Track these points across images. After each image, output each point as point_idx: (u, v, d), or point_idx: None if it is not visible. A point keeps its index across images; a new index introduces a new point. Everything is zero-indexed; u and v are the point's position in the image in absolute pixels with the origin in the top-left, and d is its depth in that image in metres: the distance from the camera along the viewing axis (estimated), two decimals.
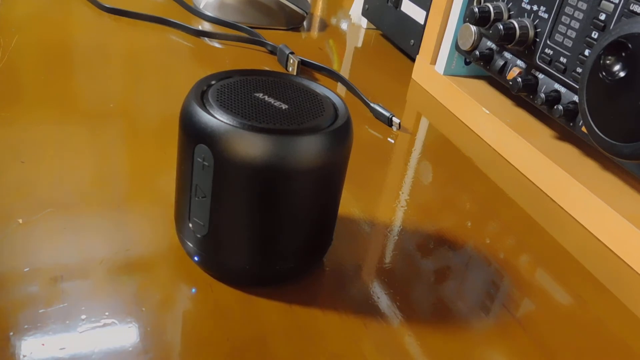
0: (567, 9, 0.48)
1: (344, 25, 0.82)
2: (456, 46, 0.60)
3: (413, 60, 0.71)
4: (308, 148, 0.31)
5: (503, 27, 0.51)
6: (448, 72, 0.63)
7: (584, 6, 0.46)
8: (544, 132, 0.54)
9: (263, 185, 0.31)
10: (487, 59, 0.56)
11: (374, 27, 0.81)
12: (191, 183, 0.32)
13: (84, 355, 0.29)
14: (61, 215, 0.38)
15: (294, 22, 0.77)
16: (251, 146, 0.30)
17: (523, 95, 0.52)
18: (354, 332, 0.33)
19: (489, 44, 0.56)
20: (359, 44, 0.77)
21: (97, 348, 0.29)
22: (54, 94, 0.51)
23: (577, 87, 0.47)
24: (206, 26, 0.73)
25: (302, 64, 0.64)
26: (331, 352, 0.31)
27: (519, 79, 0.51)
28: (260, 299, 0.34)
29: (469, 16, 0.55)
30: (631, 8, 0.42)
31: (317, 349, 0.31)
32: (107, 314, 0.31)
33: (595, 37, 0.45)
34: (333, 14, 0.86)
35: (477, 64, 0.58)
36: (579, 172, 0.48)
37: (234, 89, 0.33)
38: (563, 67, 0.48)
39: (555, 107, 0.48)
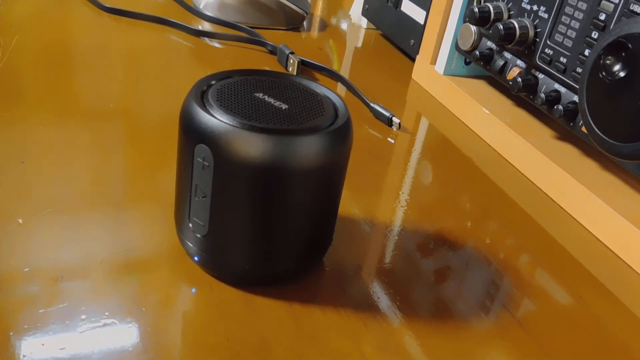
0: (567, 9, 0.48)
1: (344, 25, 0.82)
2: (456, 46, 0.60)
3: (413, 60, 0.71)
4: (308, 148, 0.31)
5: (503, 27, 0.51)
6: (448, 72, 0.63)
7: (584, 6, 0.46)
8: (544, 132, 0.54)
9: (263, 185, 0.31)
10: (487, 59, 0.56)
11: (374, 27, 0.81)
12: (191, 183, 0.32)
13: (84, 355, 0.29)
14: (61, 215, 0.38)
15: (294, 22, 0.77)
16: (251, 146, 0.30)
17: (523, 95, 0.52)
18: (354, 332, 0.33)
19: (489, 44, 0.56)
20: (359, 44, 0.77)
21: (97, 348, 0.29)
22: (54, 94, 0.51)
23: (577, 87, 0.47)
24: (206, 26, 0.73)
25: (302, 64, 0.64)
26: (331, 352, 0.31)
27: (519, 79, 0.51)
28: (260, 298, 0.34)
29: (469, 16, 0.55)
30: (631, 8, 0.42)
31: (317, 349, 0.31)
32: (107, 314, 0.31)
33: (595, 37, 0.45)
34: (333, 14, 0.86)
35: (477, 64, 0.58)
36: (579, 172, 0.48)
37: (234, 89, 0.33)
38: (563, 67, 0.48)
39: (555, 107, 0.48)
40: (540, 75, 0.51)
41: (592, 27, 0.45)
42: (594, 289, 0.40)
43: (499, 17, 0.54)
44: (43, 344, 0.29)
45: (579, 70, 0.47)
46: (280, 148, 0.30)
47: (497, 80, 0.59)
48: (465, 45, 0.58)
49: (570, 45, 0.47)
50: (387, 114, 0.56)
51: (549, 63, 0.49)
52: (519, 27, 0.51)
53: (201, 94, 0.33)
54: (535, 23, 0.51)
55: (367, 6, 0.79)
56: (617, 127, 0.40)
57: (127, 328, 0.31)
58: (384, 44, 0.78)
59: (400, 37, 0.73)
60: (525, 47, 0.52)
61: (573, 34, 0.47)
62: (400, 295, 0.36)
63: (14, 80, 0.52)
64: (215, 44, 0.68)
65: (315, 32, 0.78)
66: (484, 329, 0.35)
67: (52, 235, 0.36)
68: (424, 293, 0.37)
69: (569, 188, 0.47)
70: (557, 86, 0.49)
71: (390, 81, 0.66)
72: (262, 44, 0.68)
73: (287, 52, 0.64)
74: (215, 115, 0.31)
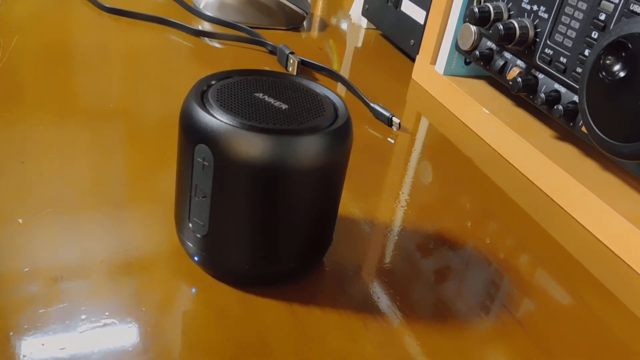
0: (567, 9, 0.48)
1: (344, 25, 0.82)
2: (456, 46, 0.60)
3: (413, 60, 0.71)
4: (308, 148, 0.31)
5: (503, 27, 0.51)
6: (448, 72, 0.63)
7: (584, 6, 0.46)
8: (544, 132, 0.54)
9: (263, 185, 0.31)
10: (487, 59, 0.56)
11: (374, 27, 0.81)
12: (191, 183, 0.32)
13: (84, 355, 0.29)
14: (61, 215, 0.38)
15: (294, 22, 0.77)
16: (251, 146, 0.30)
17: (523, 95, 0.52)
18: (354, 332, 0.33)
19: (489, 44, 0.56)
20: (359, 44, 0.77)
21: (97, 348, 0.29)
22: (53, 94, 0.51)
23: (577, 87, 0.47)
24: (206, 26, 0.73)
25: (302, 64, 0.64)
26: (331, 352, 0.31)
27: (519, 79, 0.51)
28: (260, 298, 0.34)
29: (469, 16, 0.55)
30: (631, 8, 0.42)
31: (317, 349, 0.31)
32: (107, 314, 0.31)
33: (595, 37, 0.45)
34: (333, 14, 0.86)
35: (477, 64, 0.58)
36: (579, 172, 0.48)
37: (234, 89, 0.33)
38: (563, 67, 0.48)
39: (555, 107, 0.48)
40: (540, 75, 0.51)
41: (592, 27, 0.45)
42: (594, 289, 0.40)
43: (499, 17, 0.54)
44: (43, 344, 0.29)
45: (579, 70, 0.47)
46: (280, 148, 0.30)
47: (497, 80, 0.59)
48: (465, 45, 0.58)
49: (570, 45, 0.47)
50: (387, 114, 0.56)
51: (549, 63, 0.49)
52: (519, 27, 0.51)
53: (201, 94, 0.33)
54: (535, 23, 0.51)
55: (367, 6, 0.79)
56: (617, 127, 0.40)
57: (127, 328, 0.31)
58: (384, 44, 0.78)
59: (400, 37, 0.73)
60: (525, 47, 0.52)
61: (573, 34, 0.47)
62: (400, 295, 0.36)
63: (14, 80, 0.52)
64: (215, 44, 0.68)
65: (315, 32, 0.78)
66: (484, 329, 0.35)
67: (52, 235, 0.36)
68: (424, 293, 0.37)
69: (569, 188, 0.47)
70: (557, 86, 0.49)
71: (390, 81, 0.66)
72: (262, 44, 0.68)
73: (287, 52, 0.64)
74: (215, 115, 0.31)
